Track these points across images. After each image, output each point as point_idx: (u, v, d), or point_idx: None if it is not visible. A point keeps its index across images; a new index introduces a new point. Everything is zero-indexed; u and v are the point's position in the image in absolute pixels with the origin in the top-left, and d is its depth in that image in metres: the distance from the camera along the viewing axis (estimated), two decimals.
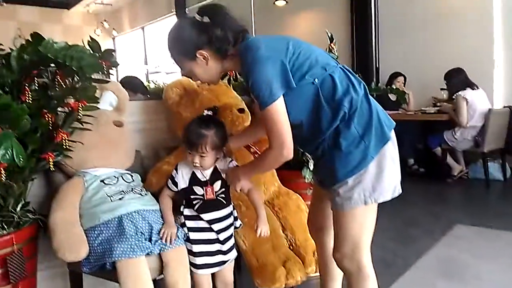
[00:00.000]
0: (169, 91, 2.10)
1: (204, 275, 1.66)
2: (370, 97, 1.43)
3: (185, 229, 1.66)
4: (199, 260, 1.64)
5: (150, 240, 1.58)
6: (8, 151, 1.21)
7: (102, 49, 1.52)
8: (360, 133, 1.35)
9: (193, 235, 1.65)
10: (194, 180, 1.63)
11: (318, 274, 1.83)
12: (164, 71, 8.88)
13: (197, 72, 1.48)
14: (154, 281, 1.56)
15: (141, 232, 1.58)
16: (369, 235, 1.46)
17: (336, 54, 2.18)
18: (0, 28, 8.59)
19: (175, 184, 1.65)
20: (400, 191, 1.45)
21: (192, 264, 1.64)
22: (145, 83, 7.70)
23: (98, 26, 10.00)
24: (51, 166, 1.55)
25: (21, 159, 1.25)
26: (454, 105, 4.44)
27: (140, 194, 1.72)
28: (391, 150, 1.42)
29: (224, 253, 1.66)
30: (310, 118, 1.39)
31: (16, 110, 1.22)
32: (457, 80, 4.46)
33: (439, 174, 4.65)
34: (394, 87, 5.07)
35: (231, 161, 1.69)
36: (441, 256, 2.63)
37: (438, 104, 4.86)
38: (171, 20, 8.61)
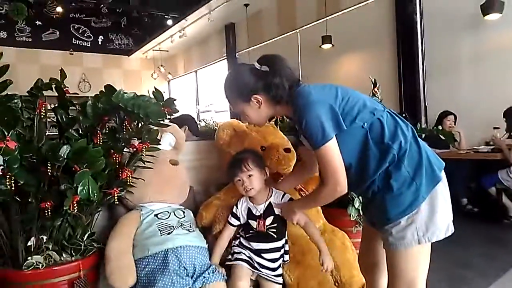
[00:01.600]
0: (220, 132, 2.27)
1: (239, 268, 1.79)
2: (419, 138, 1.49)
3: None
4: (237, 254, 1.81)
5: (192, 276, 1.70)
6: (85, 188, 1.40)
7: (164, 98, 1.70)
8: (411, 174, 1.41)
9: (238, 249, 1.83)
10: (250, 215, 1.80)
11: None
12: (214, 110, 9.30)
13: (249, 113, 1.59)
14: None
15: (184, 267, 1.69)
16: (423, 274, 1.49)
17: (380, 98, 2.27)
18: (68, 73, 9.41)
19: (237, 218, 1.84)
20: (453, 230, 1.47)
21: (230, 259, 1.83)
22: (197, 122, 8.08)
23: (155, 70, 10.66)
24: (116, 200, 1.73)
25: (96, 194, 1.43)
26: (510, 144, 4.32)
27: (188, 230, 1.85)
28: (443, 189, 1.46)
29: (261, 266, 1.81)
30: (359, 160, 1.46)
31: (92, 153, 1.41)
32: None
33: (494, 215, 4.47)
34: (443, 127, 5.04)
35: (284, 194, 1.82)
36: None
37: (493, 142, 4.72)
38: (222, 64, 9.05)
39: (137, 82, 10.76)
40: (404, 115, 4.63)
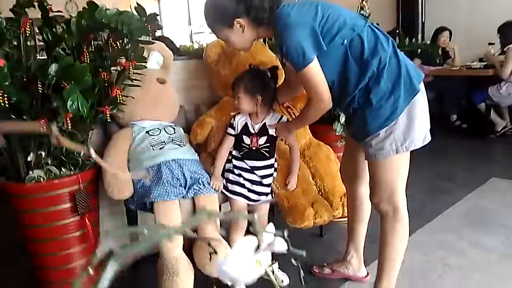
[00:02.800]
0: (208, 51, 2.28)
1: (240, 203, 1.91)
2: (399, 52, 1.51)
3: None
4: (233, 187, 1.91)
5: (185, 186, 1.81)
6: (74, 103, 1.46)
7: (147, 14, 1.70)
8: (390, 87, 1.45)
9: (236, 171, 1.92)
10: (244, 129, 1.88)
11: (345, 218, 2.01)
12: (207, 31, 9.05)
13: (233, 39, 1.58)
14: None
15: (177, 178, 1.80)
16: (403, 180, 1.60)
17: (368, 12, 2.24)
18: None
19: (234, 128, 1.91)
20: (430, 139, 1.55)
21: (225, 189, 1.92)
22: (189, 44, 7.91)
23: None
24: (108, 117, 1.80)
25: (85, 109, 1.49)
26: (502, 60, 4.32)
27: (179, 145, 1.95)
28: (421, 100, 1.51)
29: (259, 194, 1.92)
30: (340, 77, 1.50)
31: (79, 68, 1.45)
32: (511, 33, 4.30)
33: (482, 130, 4.60)
34: (437, 43, 4.99)
35: (281, 117, 1.90)
36: (470, 206, 2.72)
37: (486, 58, 4.70)
38: None
39: (126, 2, 10.34)
40: (398, 31, 4.59)
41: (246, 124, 1.89)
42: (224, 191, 1.92)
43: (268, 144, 1.89)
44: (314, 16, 1.44)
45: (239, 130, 1.90)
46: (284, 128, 1.87)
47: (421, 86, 1.52)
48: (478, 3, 5.01)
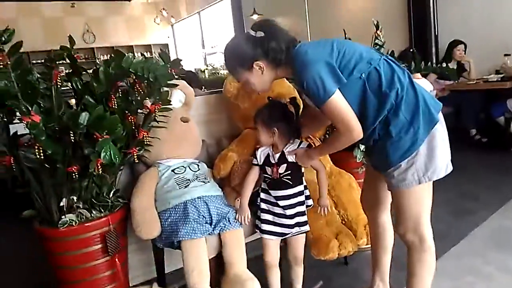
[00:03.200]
0: (227, 85, 2.33)
1: (271, 241, 1.90)
2: (415, 83, 1.55)
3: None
4: (264, 226, 1.89)
5: (210, 223, 1.85)
6: (107, 153, 1.52)
7: (171, 59, 1.77)
8: (409, 119, 1.48)
9: (263, 205, 1.91)
10: (267, 160, 1.90)
11: (369, 246, 2.02)
12: (220, 51, 9.22)
13: (253, 81, 1.63)
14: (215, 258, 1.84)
15: (203, 216, 1.84)
16: (427, 210, 1.61)
17: (383, 40, 2.28)
18: (70, 25, 9.33)
19: (257, 159, 1.92)
20: (451, 168, 1.57)
21: (258, 229, 1.91)
22: (203, 67, 8.06)
23: (157, 15, 10.45)
24: (135, 159, 1.86)
25: (117, 158, 1.56)
26: None
27: (204, 181, 1.99)
28: (440, 130, 1.53)
29: (289, 227, 1.88)
30: (359, 111, 1.51)
31: (111, 120, 1.52)
32: None
33: (503, 144, 4.54)
34: (453, 57, 4.98)
35: (300, 143, 1.89)
36: (495, 227, 2.69)
37: (502, 70, 4.67)
38: (225, 2, 8.82)
39: (141, 28, 10.60)
40: (412, 50, 4.60)
41: (268, 155, 1.91)
42: (257, 230, 1.93)
43: (289, 171, 1.87)
44: (330, 52, 1.49)
45: (262, 161, 1.92)
46: (305, 154, 1.85)
47: (440, 116, 1.54)
48: (491, 14, 5.00)
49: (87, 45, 9.46)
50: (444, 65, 2.68)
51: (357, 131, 1.50)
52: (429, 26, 5.56)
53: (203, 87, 3.71)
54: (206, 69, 7.82)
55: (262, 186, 1.95)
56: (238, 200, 2.05)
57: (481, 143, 4.85)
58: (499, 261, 2.27)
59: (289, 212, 1.88)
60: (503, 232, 2.62)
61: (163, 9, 10.35)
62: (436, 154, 1.51)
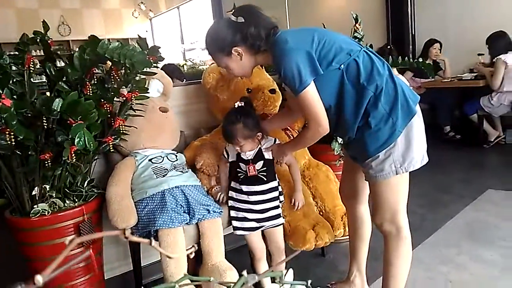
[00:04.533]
0: (206, 76, 2.31)
1: (251, 235, 1.91)
2: (395, 75, 1.56)
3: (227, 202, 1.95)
4: (235, 223, 1.91)
5: (188, 212, 1.83)
6: (81, 139, 1.48)
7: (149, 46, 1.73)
8: (388, 110, 1.49)
9: (232, 203, 1.92)
10: (239, 157, 1.89)
11: (346, 237, 2.04)
12: (200, 47, 9.15)
13: (232, 66, 1.64)
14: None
15: (181, 205, 1.82)
16: (404, 200, 1.64)
17: (362, 34, 2.29)
18: (45, 17, 9.06)
19: (228, 155, 1.93)
20: (427, 160, 1.60)
21: (234, 228, 1.92)
22: (182, 62, 7.99)
23: (135, 8, 10.27)
24: (111, 148, 1.82)
25: (92, 145, 1.52)
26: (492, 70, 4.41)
27: (181, 171, 1.97)
28: (418, 122, 1.56)
29: (260, 220, 1.89)
30: (337, 102, 1.54)
31: (85, 105, 1.48)
32: (500, 43, 4.41)
33: (476, 141, 4.67)
34: (429, 55, 5.09)
35: (275, 140, 1.92)
36: (468, 219, 2.76)
37: (476, 69, 4.79)
38: None
39: (118, 22, 10.39)
40: (389, 47, 4.67)
41: (238, 153, 1.90)
42: (234, 231, 1.93)
43: (265, 168, 1.89)
44: (311, 41, 1.49)
45: (235, 158, 1.91)
46: (279, 150, 1.89)
47: (417, 108, 1.56)
48: (466, 14, 5.12)
49: (62, 38, 9.22)
50: (420, 60, 2.71)
51: (324, 126, 1.53)
52: (406, 25, 5.66)
53: (185, 79, 3.68)
54: (185, 64, 7.74)
55: (232, 185, 1.95)
56: (215, 189, 2.04)
57: (455, 140, 4.97)
58: (472, 251, 2.33)
59: (259, 207, 1.88)
60: (476, 224, 2.69)
61: (141, 2, 10.17)
62: (413, 145, 1.53)
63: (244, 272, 0.51)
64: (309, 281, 0.54)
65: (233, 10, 1.59)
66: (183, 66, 7.47)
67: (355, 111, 1.52)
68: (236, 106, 1.87)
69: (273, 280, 0.53)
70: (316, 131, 1.56)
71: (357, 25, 2.24)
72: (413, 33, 5.68)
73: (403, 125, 1.51)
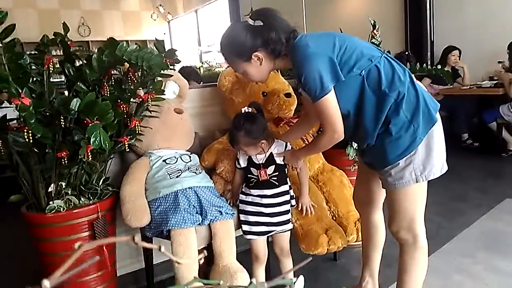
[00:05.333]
0: (222, 79, 2.33)
1: (257, 240, 1.91)
2: (416, 82, 1.53)
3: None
4: (245, 227, 1.91)
5: (201, 213, 1.84)
6: (97, 139, 1.51)
7: (166, 49, 1.76)
8: (409, 118, 1.46)
9: (243, 207, 1.92)
10: (250, 162, 1.90)
11: (359, 243, 2.02)
12: (216, 50, 9.20)
13: (251, 72, 1.60)
14: (205, 248, 1.84)
15: (193, 206, 1.84)
16: (422, 209, 1.61)
17: (379, 40, 2.28)
18: (66, 18, 9.27)
19: (239, 162, 1.94)
20: (447, 168, 1.57)
21: (244, 232, 1.92)
22: (199, 64, 8.05)
23: (154, 10, 10.40)
24: (126, 147, 1.84)
25: (107, 144, 1.54)
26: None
27: (195, 172, 1.98)
28: (438, 130, 1.53)
29: (271, 224, 1.89)
30: (356, 108, 1.51)
31: (102, 106, 1.51)
32: None
33: (494, 149, 4.58)
34: (448, 62, 5.02)
35: (286, 144, 1.91)
36: (485, 229, 2.70)
37: (497, 76, 4.70)
38: (223, 1, 8.81)
39: (137, 24, 10.54)
40: (407, 53, 4.62)
41: (250, 157, 1.90)
42: (244, 235, 1.93)
43: (277, 173, 1.89)
44: (332, 47, 1.46)
45: (246, 164, 1.92)
46: (292, 155, 1.88)
47: (438, 116, 1.54)
48: (485, 21, 5.04)
49: (82, 38, 9.39)
50: (439, 67, 2.68)
51: (339, 133, 1.51)
52: (425, 31, 5.60)
53: (202, 81, 3.72)
54: (202, 66, 7.80)
55: (242, 190, 1.95)
56: (230, 193, 2.06)
57: (473, 148, 4.89)
58: (487, 261, 2.28)
59: (270, 210, 1.89)
60: (493, 233, 2.64)
61: (160, 5, 10.29)
62: (433, 153, 1.50)
63: (254, 280, 0.51)
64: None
65: (250, 13, 1.55)
66: (199, 68, 7.53)
67: (375, 118, 1.49)
68: (243, 111, 1.86)
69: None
70: (331, 138, 1.54)
71: (375, 31, 2.23)
72: (432, 39, 5.62)
73: (424, 133, 1.48)
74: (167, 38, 11.24)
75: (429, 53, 5.61)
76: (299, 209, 1.99)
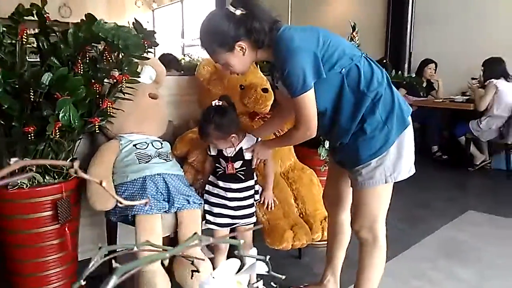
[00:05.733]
0: (201, 69, 2.31)
1: (219, 231, 1.92)
2: (391, 84, 1.56)
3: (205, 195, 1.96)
4: (209, 217, 1.92)
5: (168, 201, 1.82)
6: (66, 114, 1.47)
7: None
8: (383, 118, 1.49)
9: (208, 197, 1.94)
10: (220, 153, 1.90)
11: (323, 242, 2.05)
12: (199, 45, 9.10)
13: (233, 62, 1.55)
14: (170, 237, 1.83)
15: (161, 193, 1.82)
16: (385, 210, 1.65)
17: (358, 42, 2.32)
18: None
19: (210, 149, 1.93)
20: (414, 171, 1.61)
21: (207, 221, 1.92)
22: (181, 56, 7.97)
23: None
24: (96, 128, 1.81)
25: (76, 121, 1.51)
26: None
27: (165, 159, 1.96)
28: (409, 133, 1.57)
29: (234, 217, 1.91)
30: (334, 106, 1.52)
31: (73, 81, 1.47)
32: (495, 68, 4.45)
33: (462, 163, 4.71)
34: (423, 75, 5.14)
35: (257, 139, 1.91)
36: (446, 237, 2.78)
37: (469, 91, 4.83)
38: None
39: (121, 9, 10.33)
40: (384, 61, 4.71)
41: (220, 150, 1.90)
42: (207, 225, 1.93)
43: (245, 168, 1.89)
44: (316, 42, 1.45)
45: (216, 153, 1.92)
46: (263, 147, 1.87)
47: (409, 120, 1.58)
48: (465, 37, 5.17)
49: (62, 19, 9.15)
50: (413, 75, 2.74)
51: (312, 131, 1.53)
52: (405, 42, 5.71)
53: (182, 71, 3.67)
54: (183, 59, 7.72)
55: (210, 179, 1.95)
56: (199, 182, 2.05)
57: (442, 160, 5.01)
58: (447, 268, 2.35)
59: (234, 204, 1.90)
60: (454, 242, 2.71)
61: None
62: (403, 155, 1.54)
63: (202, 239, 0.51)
64: (268, 257, 0.55)
65: (232, 1, 1.50)
66: (180, 61, 7.46)
67: (352, 117, 1.51)
68: (213, 104, 1.84)
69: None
70: (303, 134, 1.55)
71: (354, 33, 2.26)
72: (410, 50, 5.73)
73: (397, 135, 1.52)
74: (150, 27, 11.07)
75: (406, 65, 5.72)
76: (261, 202, 2.00)
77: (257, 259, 0.56)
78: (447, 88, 5.20)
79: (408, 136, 1.56)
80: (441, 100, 4.92)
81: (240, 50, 1.52)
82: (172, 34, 10.33)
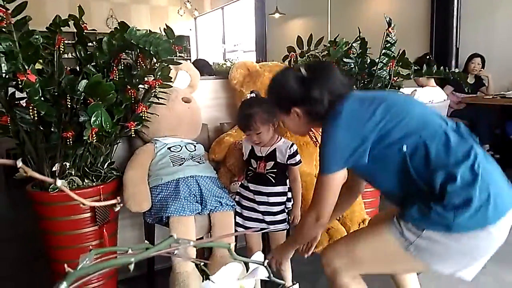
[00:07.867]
0: (234, 71, 2.33)
1: (251, 235, 1.91)
2: (486, 166, 1.23)
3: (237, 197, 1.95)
4: (238, 219, 1.91)
5: (201, 202, 1.84)
6: (98, 118, 1.53)
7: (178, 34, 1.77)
8: (455, 203, 1.17)
9: (240, 200, 1.93)
10: (252, 154, 1.89)
11: None
12: (242, 50, 9.22)
13: (288, 124, 1.49)
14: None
15: (194, 195, 1.84)
16: (371, 266, 1.37)
17: (395, 39, 2.22)
18: (96, 9, 9.48)
19: (243, 152, 1.93)
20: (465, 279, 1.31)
21: (236, 223, 1.91)
22: (222, 62, 8.08)
23: (181, 6, 10.50)
24: (132, 133, 1.86)
25: (108, 125, 1.56)
26: None
27: (198, 162, 1.99)
28: (485, 240, 1.22)
29: (263, 222, 1.87)
30: (401, 189, 1.28)
31: (105, 86, 1.52)
32: None
33: None
34: (468, 70, 4.90)
35: (292, 145, 1.85)
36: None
37: None
38: (248, 0, 8.83)
39: (164, 18, 10.64)
40: (428, 57, 4.52)
41: (252, 148, 1.87)
42: (236, 227, 1.91)
43: (275, 170, 1.84)
44: (368, 118, 1.27)
45: (247, 155, 1.91)
46: (277, 251, 1.69)
47: (503, 224, 1.23)
48: None
49: (109, 30, 9.56)
50: (456, 70, 2.59)
51: (324, 219, 1.35)
52: (451, 37, 5.47)
53: (214, 75, 3.71)
54: (224, 64, 7.83)
55: (242, 182, 1.95)
56: (234, 184, 2.06)
57: (494, 160, 4.73)
58: (495, 272, 2.21)
59: (263, 208, 1.87)
60: (504, 244, 2.54)
61: (188, 1, 10.36)
62: (448, 258, 1.24)
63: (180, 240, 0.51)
64: (266, 261, 0.53)
65: (305, 65, 1.40)
66: (222, 65, 7.56)
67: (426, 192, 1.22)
68: (249, 97, 1.85)
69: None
70: (313, 220, 1.36)
71: (389, 29, 2.17)
72: (457, 46, 5.48)
73: (460, 229, 1.18)
74: (193, 34, 11.33)
75: (454, 60, 5.48)
76: (291, 220, 1.92)
77: (258, 263, 0.54)
78: (498, 83, 4.92)
79: (483, 243, 1.22)
80: (491, 96, 4.66)
81: (296, 116, 1.42)
82: (214, 40, 10.52)
